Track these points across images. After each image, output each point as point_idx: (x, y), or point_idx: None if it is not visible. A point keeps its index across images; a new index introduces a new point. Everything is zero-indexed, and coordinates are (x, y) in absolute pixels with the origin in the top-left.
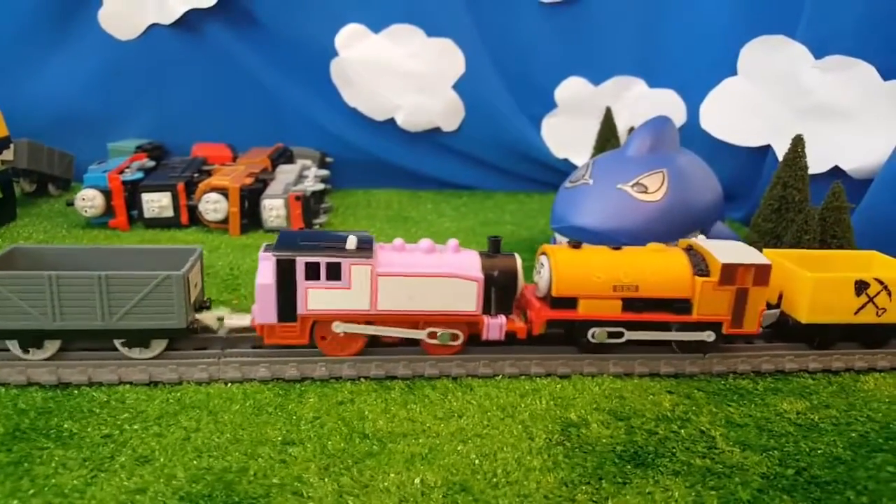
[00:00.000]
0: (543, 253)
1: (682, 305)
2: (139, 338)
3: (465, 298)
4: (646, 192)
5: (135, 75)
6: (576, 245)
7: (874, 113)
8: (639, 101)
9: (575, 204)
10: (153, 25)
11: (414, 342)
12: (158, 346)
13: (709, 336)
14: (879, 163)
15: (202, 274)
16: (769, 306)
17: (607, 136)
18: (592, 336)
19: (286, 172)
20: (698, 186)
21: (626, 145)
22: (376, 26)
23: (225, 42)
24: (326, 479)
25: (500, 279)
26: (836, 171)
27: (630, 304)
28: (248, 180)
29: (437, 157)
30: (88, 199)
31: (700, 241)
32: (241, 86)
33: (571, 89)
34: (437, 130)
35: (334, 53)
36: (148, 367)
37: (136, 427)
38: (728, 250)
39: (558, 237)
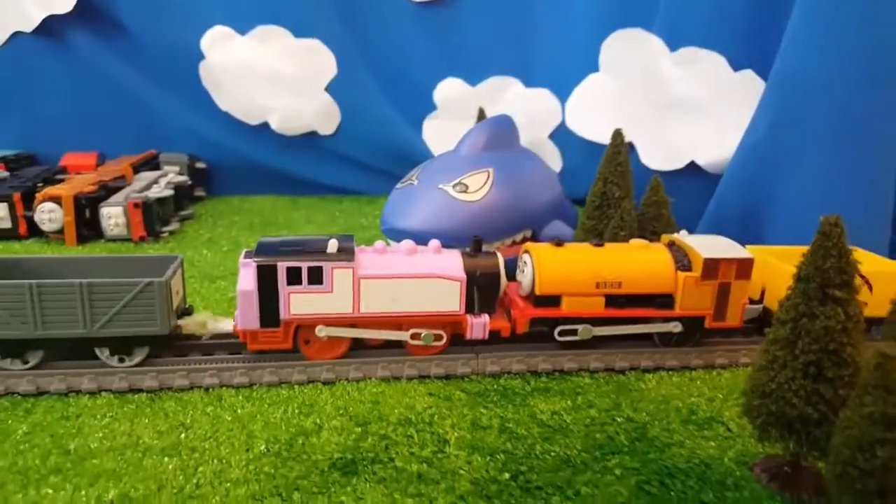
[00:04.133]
0: (526, 251)
1: (665, 301)
2: (122, 345)
3: (448, 299)
4: (466, 192)
5: (0, 85)
6: (558, 243)
7: (725, 105)
8: (515, 101)
9: (398, 206)
10: (16, 34)
11: (399, 343)
12: (141, 353)
13: (675, 327)
14: (729, 157)
15: (183, 281)
16: (752, 302)
17: None
18: (559, 334)
19: (141, 180)
20: (531, 185)
21: (460, 144)
22: (242, 27)
23: (90, 48)
24: None
25: (482, 279)
26: (694, 167)
27: (613, 300)
28: (90, 188)
29: (316, 161)
30: None
31: (682, 236)
32: (111, 93)
33: (449, 90)
34: (313, 134)
35: (201, 56)
36: None
37: None
38: (710, 245)
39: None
